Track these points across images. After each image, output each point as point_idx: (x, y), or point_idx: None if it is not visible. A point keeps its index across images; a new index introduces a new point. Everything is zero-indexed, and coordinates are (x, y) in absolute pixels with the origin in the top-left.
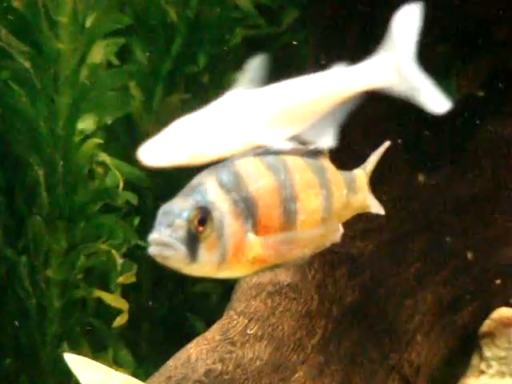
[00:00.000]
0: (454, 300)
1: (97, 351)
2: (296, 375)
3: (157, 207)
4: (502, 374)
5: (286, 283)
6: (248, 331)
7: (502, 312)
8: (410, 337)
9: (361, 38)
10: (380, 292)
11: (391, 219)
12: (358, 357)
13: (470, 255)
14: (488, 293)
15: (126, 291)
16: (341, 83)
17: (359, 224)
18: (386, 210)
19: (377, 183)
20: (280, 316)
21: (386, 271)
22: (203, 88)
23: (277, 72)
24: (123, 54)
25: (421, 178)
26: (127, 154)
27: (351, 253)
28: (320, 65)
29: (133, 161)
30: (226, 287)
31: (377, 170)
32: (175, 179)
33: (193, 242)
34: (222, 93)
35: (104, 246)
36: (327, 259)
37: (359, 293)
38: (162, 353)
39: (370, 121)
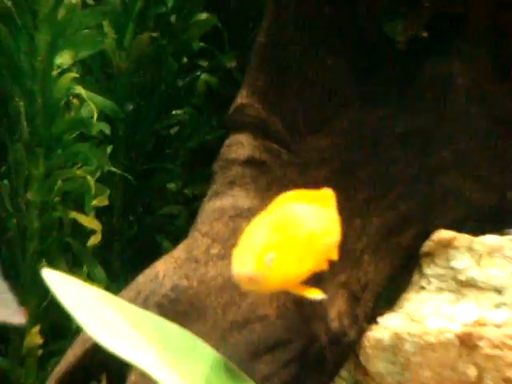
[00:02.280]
0: (399, 223)
1: (73, 268)
2: None
3: (128, 136)
4: (440, 290)
5: (246, 207)
6: (211, 251)
7: (441, 234)
8: (358, 256)
9: None
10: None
11: (342, 150)
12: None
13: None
14: (429, 217)
15: (100, 213)
16: None
17: (313, 154)
18: (338, 140)
19: (330, 117)
20: (240, 237)
21: (337, 196)
22: (171, 27)
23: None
24: None
25: (370, 112)
26: (101, 87)
27: (306, 180)
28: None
29: (106, 93)
30: (192, 210)
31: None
32: (145, 110)
33: None
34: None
35: (79, 172)
36: None
37: None
38: (132, 270)
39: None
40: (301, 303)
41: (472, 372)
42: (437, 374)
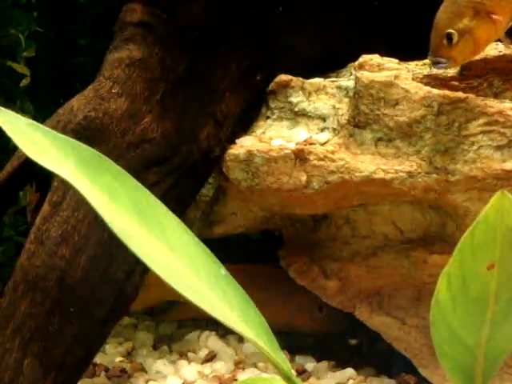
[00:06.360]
0: (251, 70)
1: (8, 103)
2: (145, 120)
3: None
4: (280, 119)
5: (138, 58)
6: (113, 90)
7: (281, 77)
8: (222, 94)
9: None
10: (202, 61)
11: (209, 14)
12: (187, 108)
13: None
14: (274, 65)
15: (28, 62)
16: None
17: (188, 17)
18: (206, 8)
19: None
20: (134, 80)
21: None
22: None
23: None
24: None
25: None
26: None
27: (182, 37)
28: None
29: None
30: (98, 61)
31: None
32: None
33: None
34: None
35: (13, 31)
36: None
37: (189, 63)
38: (53, 105)
39: None
40: (180, 128)
41: (303, 178)
42: (278, 179)
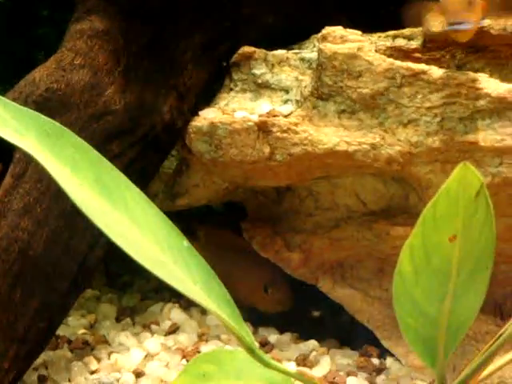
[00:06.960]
0: (213, 41)
1: None
2: (107, 91)
3: None
4: (244, 91)
5: (100, 29)
6: (75, 62)
7: (245, 49)
8: (185, 65)
9: None
10: (165, 32)
11: None
12: (149, 79)
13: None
14: (236, 38)
15: None
16: None
17: None
18: None
19: None
20: (96, 51)
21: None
22: None
23: None
24: None
25: None
26: None
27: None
28: None
29: None
30: (60, 32)
31: None
32: None
33: None
34: None
35: None
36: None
37: (151, 34)
38: (14, 77)
39: None
40: (142, 100)
41: (266, 150)
42: (241, 151)
